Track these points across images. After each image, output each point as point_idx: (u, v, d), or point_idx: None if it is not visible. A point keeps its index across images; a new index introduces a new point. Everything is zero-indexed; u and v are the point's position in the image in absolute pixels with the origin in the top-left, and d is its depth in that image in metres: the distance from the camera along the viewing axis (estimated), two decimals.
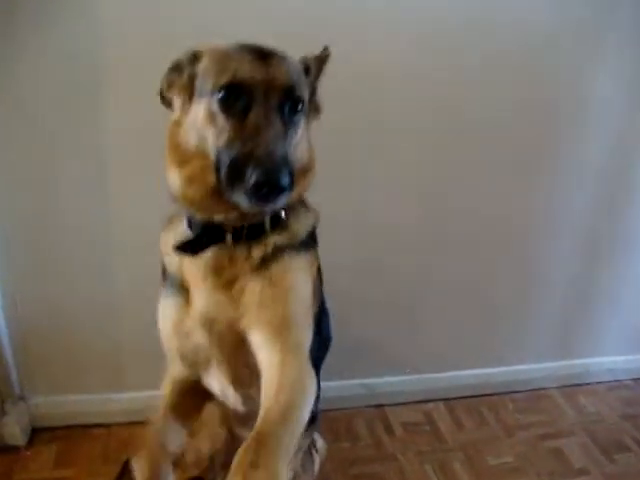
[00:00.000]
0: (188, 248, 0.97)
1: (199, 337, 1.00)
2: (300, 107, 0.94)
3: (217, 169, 0.89)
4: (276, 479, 0.71)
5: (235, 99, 0.88)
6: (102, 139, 1.59)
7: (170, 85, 0.99)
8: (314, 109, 1.06)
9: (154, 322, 1.51)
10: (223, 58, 0.91)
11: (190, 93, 0.95)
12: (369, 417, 2.14)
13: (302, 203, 1.06)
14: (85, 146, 1.60)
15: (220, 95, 0.88)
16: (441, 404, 2.24)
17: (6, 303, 1.74)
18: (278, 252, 0.98)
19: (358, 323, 2.01)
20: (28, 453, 1.81)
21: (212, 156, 0.90)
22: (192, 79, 0.95)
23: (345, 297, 1.93)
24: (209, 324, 0.98)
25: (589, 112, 1.94)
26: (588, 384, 2.42)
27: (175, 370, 1.13)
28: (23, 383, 1.86)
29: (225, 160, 0.87)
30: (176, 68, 0.98)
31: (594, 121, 1.95)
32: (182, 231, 1.01)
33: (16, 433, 1.80)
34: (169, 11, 1.49)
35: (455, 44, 1.71)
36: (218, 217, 0.94)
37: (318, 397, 1.02)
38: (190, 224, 0.99)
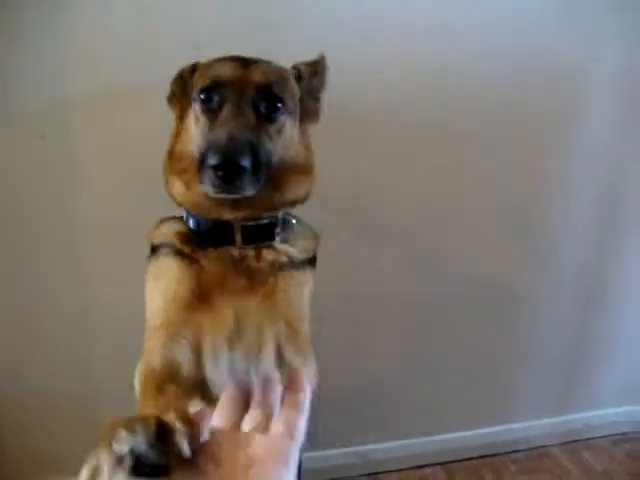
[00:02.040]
0: (200, 242, 0.97)
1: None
2: (280, 105, 0.96)
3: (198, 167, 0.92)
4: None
5: (212, 99, 0.93)
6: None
7: (172, 95, 1.05)
8: (312, 113, 1.07)
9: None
10: (208, 66, 0.98)
11: (185, 104, 1.00)
12: None
13: (306, 224, 1.08)
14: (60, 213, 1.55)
15: (201, 97, 0.94)
16: (439, 468, 2.12)
17: None
18: (289, 264, 0.98)
19: (349, 388, 1.93)
20: None
21: (196, 156, 0.93)
22: (188, 90, 1.00)
23: (336, 361, 1.87)
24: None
25: None
26: (591, 439, 2.31)
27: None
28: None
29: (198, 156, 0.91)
30: (179, 78, 1.04)
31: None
32: (181, 227, 1.01)
33: None
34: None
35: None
36: (225, 215, 0.95)
37: None
38: (199, 225, 0.99)
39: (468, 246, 1.89)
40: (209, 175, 0.85)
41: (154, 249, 1.02)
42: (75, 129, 1.48)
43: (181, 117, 1.01)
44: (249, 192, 0.88)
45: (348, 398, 1.95)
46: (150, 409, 0.66)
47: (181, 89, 1.03)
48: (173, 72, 1.05)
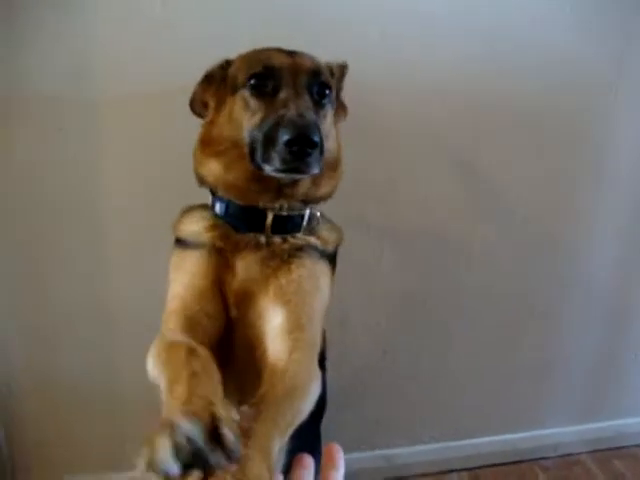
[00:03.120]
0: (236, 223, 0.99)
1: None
2: (328, 92, 0.99)
3: (251, 152, 0.93)
4: (266, 454, 0.65)
5: (265, 83, 0.95)
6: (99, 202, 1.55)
7: (203, 93, 1.07)
8: (341, 108, 1.13)
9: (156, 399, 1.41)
10: (253, 55, 1.01)
11: (222, 95, 1.02)
12: None
13: (330, 220, 1.10)
14: (82, 210, 1.55)
15: (252, 82, 0.95)
16: (465, 474, 2.10)
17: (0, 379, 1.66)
18: (311, 250, 1.00)
19: (376, 393, 1.92)
20: None
21: (247, 140, 0.94)
22: (224, 82, 1.03)
23: (362, 365, 1.88)
24: (241, 298, 0.96)
25: None
26: (623, 447, 2.26)
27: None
28: (20, 462, 1.75)
29: (259, 137, 0.91)
30: (208, 79, 1.06)
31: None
32: (208, 216, 1.02)
33: None
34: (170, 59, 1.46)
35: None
36: (261, 202, 0.97)
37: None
38: (227, 209, 1.00)
39: (495, 254, 1.87)
40: (280, 152, 0.86)
41: (179, 241, 1.04)
42: (95, 122, 1.48)
43: (217, 107, 1.03)
44: (316, 171, 0.90)
45: (375, 402, 1.94)
46: (181, 383, 0.67)
47: (216, 84, 1.05)
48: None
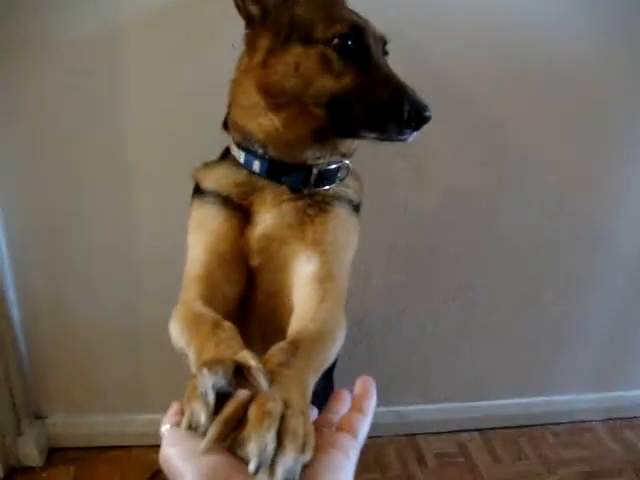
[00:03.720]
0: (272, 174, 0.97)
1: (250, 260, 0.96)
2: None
3: (332, 111, 0.90)
4: (303, 385, 0.65)
5: (353, 46, 0.91)
6: (122, 141, 1.53)
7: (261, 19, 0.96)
8: None
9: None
10: (327, 6, 0.95)
11: (282, 36, 0.93)
12: (400, 446, 2.03)
13: (352, 169, 1.08)
14: (105, 148, 1.53)
15: (339, 42, 0.90)
16: (476, 435, 2.12)
17: (25, 320, 1.69)
18: (345, 203, 1.00)
19: (390, 348, 1.93)
20: (44, 475, 1.75)
21: (323, 99, 0.90)
22: (285, 22, 0.93)
23: (377, 321, 1.89)
24: (267, 243, 0.95)
25: None
26: (635, 417, 2.27)
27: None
28: (41, 401, 1.81)
29: (362, 100, 0.89)
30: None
31: None
32: (238, 171, 0.99)
33: (33, 453, 1.75)
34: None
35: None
36: (310, 159, 0.96)
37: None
38: (269, 167, 0.97)
39: (520, 219, 1.84)
40: (404, 123, 0.86)
41: (201, 192, 1.01)
42: (121, 63, 1.44)
43: (272, 49, 0.93)
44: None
45: (391, 358, 1.95)
46: (208, 351, 0.69)
47: (272, 16, 0.95)
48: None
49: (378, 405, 2.09)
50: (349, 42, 0.90)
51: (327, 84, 0.90)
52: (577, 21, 1.60)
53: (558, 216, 1.86)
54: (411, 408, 2.07)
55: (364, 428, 0.61)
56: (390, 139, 0.90)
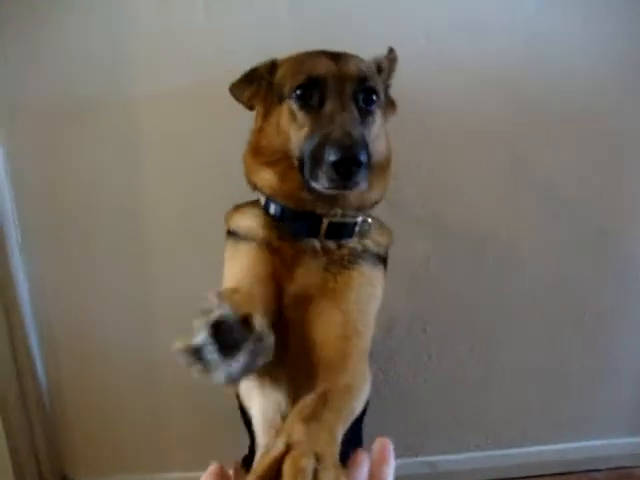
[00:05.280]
0: (292, 229, 1.00)
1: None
2: (374, 97, 0.97)
3: (301, 166, 0.93)
4: (333, 437, 0.68)
5: (310, 95, 0.93)
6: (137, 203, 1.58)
7: (245, 87, 1.07)
8: (390, 106, 1.11)
9: (200, 397, 1.44)
10: (298, 62, 0.99)
11: (270, 101, 1.01)
12: None
13: (380, 221, 1.09)
14: (122, 212, 1.58)
15: (297, 93, 0.94)
16: None
17: (53, 384, 1.70)
18: (368, 256, 1.01)
19: (423, 397, 1.89)
20: None
21: (296, 153, 0.94)
22: (271, 88, 1.02)
23: (408, 370, 1.86)
24: (295, 301, 0.97)
25: None
26: None
27: None
28: (68, 464, 1.79)
29: (307, 152, 0.91)
30: (252, 73, 1.06)
31: None
32: (262, 214, 1.03)
33: None
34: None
35: None
36: (317, 210, 0.98)
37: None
38: (283, 214, 1.00)
39: (543, 255, 1.81)
40: (326, 171, 0.86)
41: (231, 233, 1.05)
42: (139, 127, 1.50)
43: (265, 114, 1.02)
44: (363, 187, 0.90)
45: (420, 407, 1.91)
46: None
47: (263, 87, 1.04)
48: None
49: (410, 456, 2.04)
50: (306, 92, 0.93)
51: (294, 137, 0.94)
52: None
53: (590, 246, 1.84)
54: (442, 458, 2.00)
55: None
56: (336, 188, 0.89)
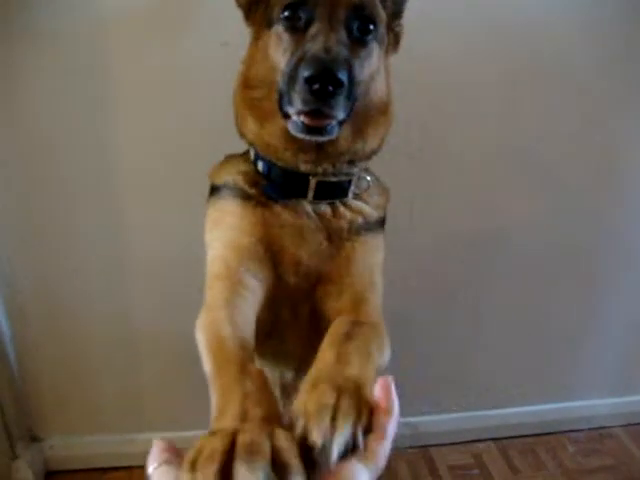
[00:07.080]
0: (273, 192, 0.91)
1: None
2: (372, 28, 0.86)
3: (280, 98, 0.82)
4: (369, 358, 0.67)
5: (299, 17, 0.83)
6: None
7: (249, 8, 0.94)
8: (393, 43, 0.97)
9: (174, 358, 1.39)
10: None
11: (262, 25, 0.90)
12: (413, 459, 1.95)
13: (378, 179, 1.01)
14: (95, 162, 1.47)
15: (285, 14, 0.84)
16: (492, 445, 2.04)
17: (19, 340, 1.63)
18: (370, 224, 0.94)
19: (403, 359, 1.84)
20: None
21: (280, 85, 0.83)
22: (266, 10, 0.90)
23: (391, 330, 1.81)
24: (304, 267, 0.91)
25: None
26: None
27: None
28: (37, 423, 1.74)
29: (285, 75, 0.80)
30: None
31: None
32: (251, 169, 0.94)
33: (29, 477, 1.67)
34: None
35: None
36: (302, 166, 0.88)
37: None
38: (269, 170, 0.91)
39: (531, 218, 1.76)
40: (299, 91, 0.74)
41: (216, 189, 0.96)
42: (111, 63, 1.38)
43: (257, 38, 0.91)
44: (340, 117, 0.78)
45: (402, 368, 1.87)
46: (234, 403, 0.60)
47: (258, 5, 0.92)
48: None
49: None
50: (295, 14, 0.83)
51: (279, 64, 0.84)
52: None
53: (573, 214, 1.79)
54: (423, 419, 1.99)
55: (382, 453, 0.55)
56: (310, 113, 0.77)
